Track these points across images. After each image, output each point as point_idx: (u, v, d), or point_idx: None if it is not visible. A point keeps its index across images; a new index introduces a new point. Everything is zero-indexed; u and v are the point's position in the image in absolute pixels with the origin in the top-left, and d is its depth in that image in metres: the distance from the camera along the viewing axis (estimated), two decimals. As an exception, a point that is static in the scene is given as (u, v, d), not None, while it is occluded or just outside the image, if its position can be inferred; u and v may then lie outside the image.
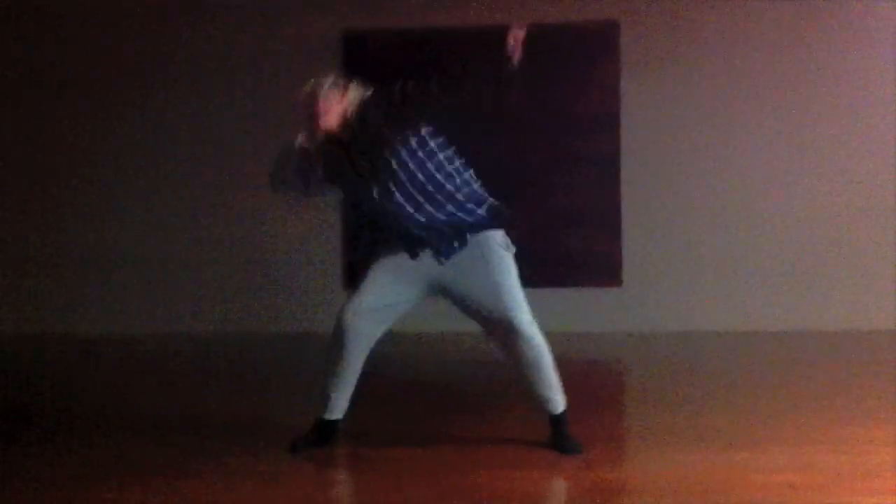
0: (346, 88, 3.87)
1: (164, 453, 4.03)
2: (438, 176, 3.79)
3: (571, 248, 7.75)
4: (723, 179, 7.76)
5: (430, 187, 3.77)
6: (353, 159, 3.83)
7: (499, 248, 3.86)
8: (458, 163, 3.86)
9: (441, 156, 3.82)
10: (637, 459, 3.95)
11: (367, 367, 4.04)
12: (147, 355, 7.32)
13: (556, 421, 3.93)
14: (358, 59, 7.93)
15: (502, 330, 3.84)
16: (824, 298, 7.63)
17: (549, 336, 3.94)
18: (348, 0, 7.94)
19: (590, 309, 7.63)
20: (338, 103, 3.83)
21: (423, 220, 3.79)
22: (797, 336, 7.35)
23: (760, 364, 6.33)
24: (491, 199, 3.89)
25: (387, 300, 3.93)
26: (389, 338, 4.11)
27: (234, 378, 6.20)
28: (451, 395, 5.40)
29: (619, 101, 7.74)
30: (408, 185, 3.77)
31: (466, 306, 3.91)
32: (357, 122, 3.82)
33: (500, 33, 3.75)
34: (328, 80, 3.86)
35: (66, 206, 8.40)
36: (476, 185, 3.88)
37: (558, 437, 3.91)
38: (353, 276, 7.96)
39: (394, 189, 3.77)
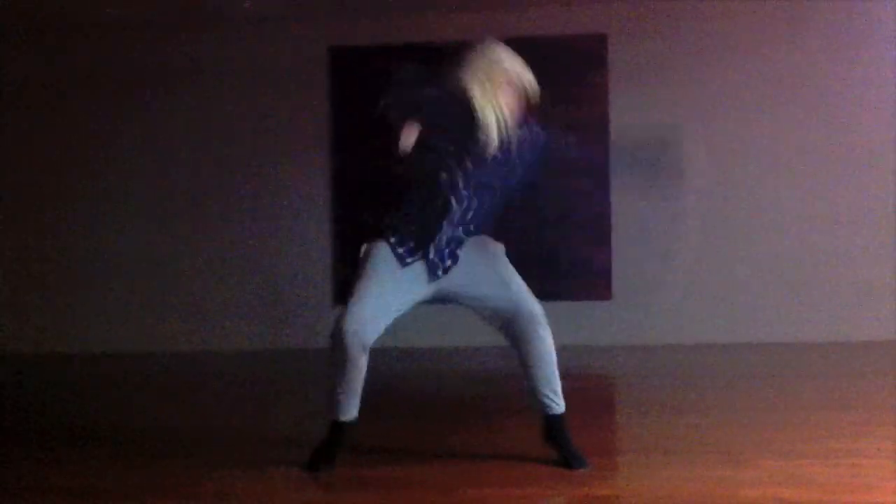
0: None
1: (158, 472, 3.98)
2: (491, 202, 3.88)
3: (562, 261, 7.77)
4: (713, 188, 7.78)
5: (483, 207, 3.85)
6: (474, 135, 3.75)
7: (492, 243, 3.92)
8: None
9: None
10: (629, 474, 3.91)
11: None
12: (141, 373, 7.27)
13: (555, 424, 3.88)
14: (343, 73, 8.01)
15: (519, 320, 3.80)
16: (817, 309, 7.64)
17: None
18: (335, 16, 7.96)
19: (579, 322, 7.62)
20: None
21: (453, 229, 3.81)
22: (790, 347, 7.35)
23: (752, 376, 6.30)
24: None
25: (385, 306, 3.79)
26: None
27: (227, 396, 6.16)
28: (445, 411, 5.36)
29: (608, 111, 7.80)
30: (475, 196, 3.82)
31: (477, 302, 3.87)
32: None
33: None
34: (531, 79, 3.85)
35: (60, 228, 8.39)
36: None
37: (564, 444, 3.87)
38: (344, 293, 8.06)
39: (465, 185, 3.78)
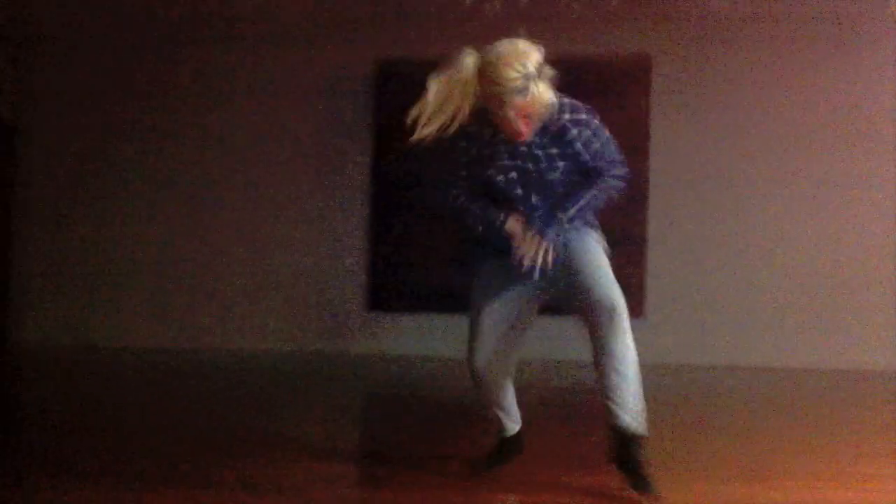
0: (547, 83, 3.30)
1: (179, 467, 4.08)
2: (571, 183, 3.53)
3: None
4: (748, 214, 7.81)
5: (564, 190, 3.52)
6: (513, 159, 3.47)
7: (595, 242, 3.61)
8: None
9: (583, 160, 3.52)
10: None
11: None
12: (167, 369, 7.42)
13: (626, 441, 3.48)
14: (391, 87, 8.11)
15: (596, 313, 3.44)
16: (850, 336, 7.63)
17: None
18: (383, 30, 8.07)
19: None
20: (543, 107, 3.31)
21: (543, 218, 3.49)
22: (819, 374, 7.34)
23: (778, 399, 6.32)
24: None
25: (506, 333, 3.66)
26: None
27: (253, 394, 6.28)
28: (465, 416, 5.41)
29: (648, 131, 7.85)
30: (548, 189, 3.50)
31: (571, 294, 3.55)
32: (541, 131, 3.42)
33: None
34: (540, 85, 3.25)
35: (86, 221, 8.57)
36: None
37: (632, 465, 3.48)
38: (377, 297, 8.17)
39: (535, 192, 3.51)
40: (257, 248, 8.37)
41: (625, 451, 3.48)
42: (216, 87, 8.42)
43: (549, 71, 3.32)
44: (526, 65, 3.24)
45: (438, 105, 3.35)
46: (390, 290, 8.21)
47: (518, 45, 3.31)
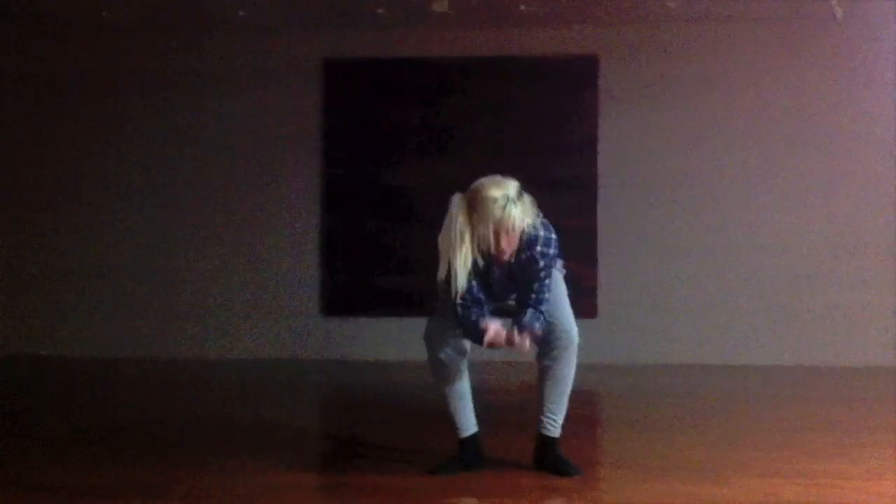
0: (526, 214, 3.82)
1: (138, 473, 4.00)
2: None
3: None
4: (700, 211, 7.84)
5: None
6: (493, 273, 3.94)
7: (559, 273, 4.11)
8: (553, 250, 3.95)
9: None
10: (608, 488, 3.95)
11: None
12: (128, 378, 7.30)
13: (551, 444, 4.03)
14: (337, 85, 8.06)
15: (557, 341, 3.99)
16: (804, 333, 7.68)
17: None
18: (331, 29, 8.01)
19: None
20: (517, 236, 3.83)
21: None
22: (776, 370, 7.39)
23: (736, 397, 6.36)
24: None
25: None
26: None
27: (207, 405, 6.17)
28: (430, 422, 5.37)
29: (597, 131, 7.87)
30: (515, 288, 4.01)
31: None
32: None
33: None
34: (518, 207, 3.76)
35: (56, 230, 8.37)
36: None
37: (555, 460, 4.01)
38: (332, 304, 8.10)
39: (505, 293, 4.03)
40: (208, 256, 8.23)
41: (553, 450, 4.04)
42: (170, 86, 8.26)
43: (527, 198, 3.84)
44: (507, 193, 3.75)
45: (451, 247, 3.79)
46: (345, 295, 8.15)
47: (497, 177, 3.82)
